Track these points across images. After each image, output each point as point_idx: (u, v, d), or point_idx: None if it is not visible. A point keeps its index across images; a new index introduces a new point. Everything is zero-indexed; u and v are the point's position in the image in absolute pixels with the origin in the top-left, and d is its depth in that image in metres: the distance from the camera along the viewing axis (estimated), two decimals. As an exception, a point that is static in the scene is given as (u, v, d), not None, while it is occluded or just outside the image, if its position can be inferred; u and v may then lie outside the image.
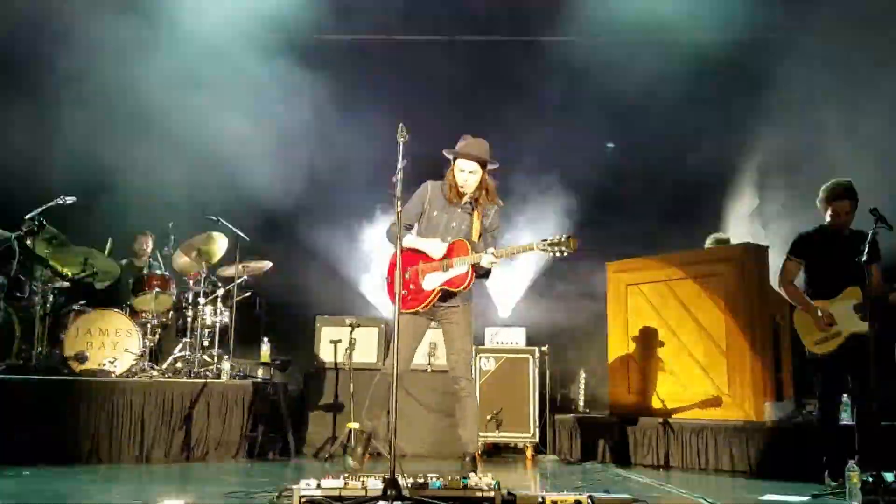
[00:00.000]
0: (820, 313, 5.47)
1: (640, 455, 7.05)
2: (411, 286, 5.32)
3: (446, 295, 5.30)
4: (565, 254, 4.91)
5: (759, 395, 6.73)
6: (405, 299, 5.26)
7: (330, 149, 9.46)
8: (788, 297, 5.73)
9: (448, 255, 5.25)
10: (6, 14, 8.81)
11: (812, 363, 5.63)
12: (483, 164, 5.28)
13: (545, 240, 4.94)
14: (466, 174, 5.26)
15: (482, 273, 5.28)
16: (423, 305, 5.28)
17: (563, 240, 4.89)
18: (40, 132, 9.17)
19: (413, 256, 5.37)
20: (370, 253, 9.16)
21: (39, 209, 7.21)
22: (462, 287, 5.21)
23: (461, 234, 5.32)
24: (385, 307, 8.40)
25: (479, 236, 5.34)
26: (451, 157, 5.32)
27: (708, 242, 7.75)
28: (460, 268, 5.19)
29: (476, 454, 5.42)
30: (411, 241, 5.37)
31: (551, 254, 4.93)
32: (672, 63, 8.80)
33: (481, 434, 7.20)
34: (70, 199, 7.38)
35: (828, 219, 5.61)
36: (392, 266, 5.38)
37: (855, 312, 5.37)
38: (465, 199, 5.36)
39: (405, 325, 5.15)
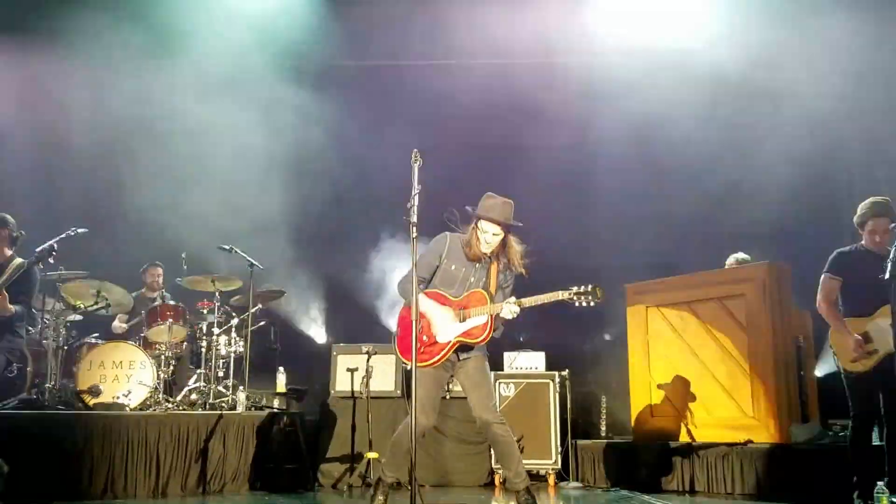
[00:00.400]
0: (853, 341, 5.36)
1: (666, 481, 6.91)
2: (424, 338, 5.11)
3: (463, 348, 5.13)
4: (592, 303, 4.82)
5: (784, 417, 6.64)
6: (417, 353, 4.97)
7: (346, 175, 9.43)
8: (826, 316, 5.63)
9: (465, 306, 5.09)
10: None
11: (846, 381, 5.53)
12: (507, 228, 5.14)
13: (572, 289, 4.83)
14: (490, 236, 5.10)
15: (497, 328, 5.11)
16: (436, 359, 5.07)
17: (590, 289, 4.80)
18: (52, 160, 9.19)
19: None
20: (385, 280, 9.08)
21: (52, 240, 7.15)
22: (481, 339, 5.03)
23: (478, 288, 5.16)
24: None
25: (497, 290, 5.15)
26: (474, 216, 5.15)
27: (729, 262, 7.66)
28: (478, 318, 5.02)
29: (528, 486, 5.16)
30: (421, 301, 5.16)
31: (577, 303, 4.83)
32: (689, 83, 8.75)
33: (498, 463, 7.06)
34: (82, 231, 7.32)
35: (865, 237, 5.54)
36: (401, 319, 5.26)
37: (892, 330, 5.27)
38: (485, 254, 5.20)
39: (423, 376, 4.95)
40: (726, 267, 7.72)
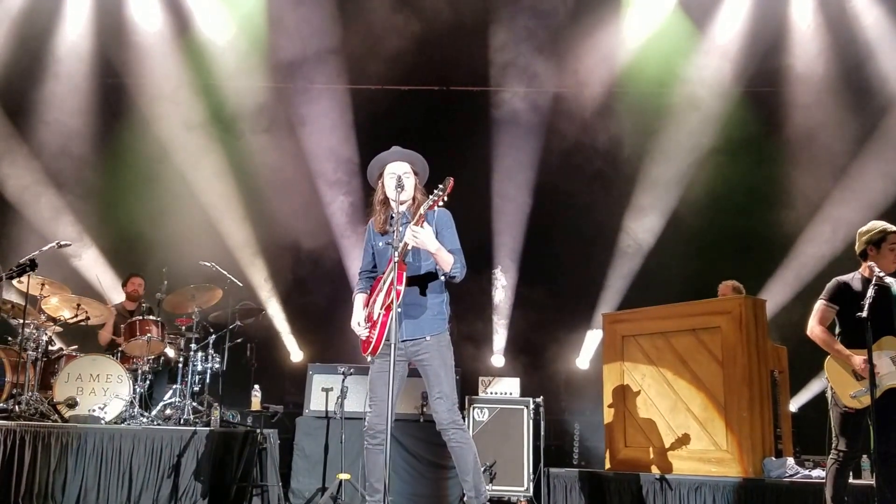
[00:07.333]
0: (858, 361, 5.13)
1: (637, 512, 6.89)
2: (368, 325, 4.90)
3: (409, 332, 4.79)
4: (445, 197, 4.59)
5: (758, 450, 6.59)
6: (368, 344, 4.85)
7: (323, 195, 9.50)
8: (821, 342, 5.39)
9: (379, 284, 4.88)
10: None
11: (838, 416, 5.30)
12: (414, 166, 4.90)
13: (432, 193, 4.62)
14: (398, 177, 4.72)
15: (446, 272, 4.76)
16: (379, 336, 4.76)
17: (440, 187, 4.59)
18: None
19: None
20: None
21: (36, 252, 7.21)
22: (397, 288, 4.58)
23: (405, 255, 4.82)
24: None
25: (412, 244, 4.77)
26: (378, 172, 4.94)
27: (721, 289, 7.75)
28: (389, 277, 4.69)
29: None
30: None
31: (438, 199, 4.60)
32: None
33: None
34: (65, 244, 7.39)
35: (877, 262, 5.23)
36: None
37: (894, 364, 5.13)
38: (400, 212, 4.79)
39: (378, 372, 4.78)
40: (719, 294, 7.77)
